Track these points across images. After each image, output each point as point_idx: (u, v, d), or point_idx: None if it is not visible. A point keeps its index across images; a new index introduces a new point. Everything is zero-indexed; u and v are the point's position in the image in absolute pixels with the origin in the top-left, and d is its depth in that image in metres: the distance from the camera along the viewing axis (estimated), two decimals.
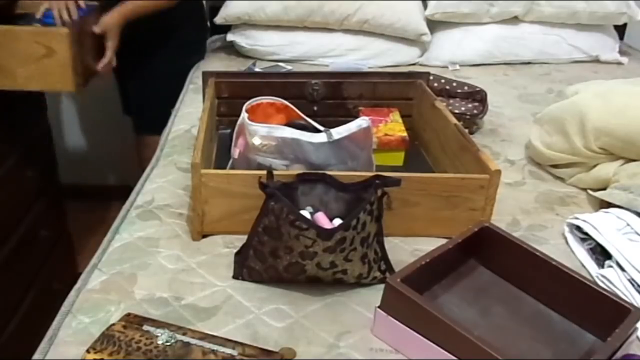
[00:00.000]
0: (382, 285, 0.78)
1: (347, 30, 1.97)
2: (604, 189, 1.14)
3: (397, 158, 1.22)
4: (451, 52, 2.01)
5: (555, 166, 1.25)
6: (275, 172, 0.91)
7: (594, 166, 1.19)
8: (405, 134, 1.21)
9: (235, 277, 0.89)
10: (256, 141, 1.00)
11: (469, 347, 0.69)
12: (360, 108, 1.32)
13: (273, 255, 0.85)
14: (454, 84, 1.49)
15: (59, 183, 1.95)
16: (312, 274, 0.85)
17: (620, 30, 2.22)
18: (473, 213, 0.97)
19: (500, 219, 1.03)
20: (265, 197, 0.85)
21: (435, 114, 1.22)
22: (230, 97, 1.30)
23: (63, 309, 0.83)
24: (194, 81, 1.69)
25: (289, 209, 0.81)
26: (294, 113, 1.15)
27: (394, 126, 1.24)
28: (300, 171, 0.93)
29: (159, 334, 0.72)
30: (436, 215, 0.98)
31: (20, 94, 1.42)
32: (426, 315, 0.73)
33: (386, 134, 1.21)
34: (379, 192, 0.86)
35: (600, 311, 0.78)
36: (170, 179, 1.16)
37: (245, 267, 0.89)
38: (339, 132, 1.01)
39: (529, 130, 1.34)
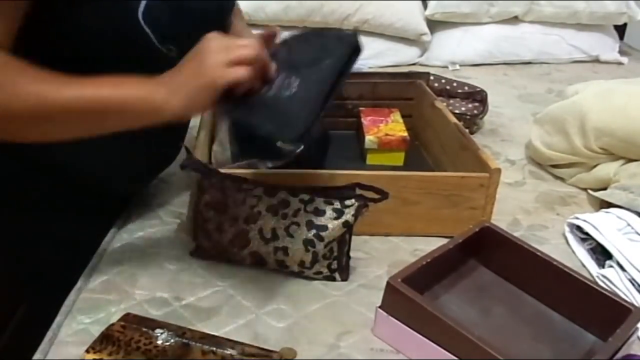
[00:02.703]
0: (383, 286, 0.78)
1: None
2: (605, 189, 1.14)
3: (398, 158, 1.22)
4: (451, 52, 2.01)
5: (556, 166, 1.25)
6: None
7: (595, 166, 1.19)
8: (405, 134, 1.21)
9: (191, 254, 0.93)
10: None
11: (470, 347, 0.69)
12: (360, 108, 1.32)
13: (218, 231, 0.88)
14: (454, 84, 1.49)
15: None
16: (255, 249, 0.87)
17: (620, 30, 2.23)
18: (473, 212, 0.97)
19: (500, 219, 1.03)
20: (198, 176, 0.88)
21: (435, 113, 1.22)
22: None
23: (63, 309, 0.83)
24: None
25: (230, 179, 0.86)
26: None
27: (394, 126, 1.24)
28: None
29: (158, 334, 0.72)
30: (436, 214, 0.98)
31: None
32: (427, 316, 0.72)
33: (387, 134, 1.21)
34: (356, 202, 0.85)
35: (601, 311, 0.78)
36: (170, 178, 1.16)
37: (198, 247, 0.92)
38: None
39: (529, 130, 1.34)
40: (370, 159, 1.22)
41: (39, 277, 1.01)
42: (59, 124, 0.72)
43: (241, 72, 0.71)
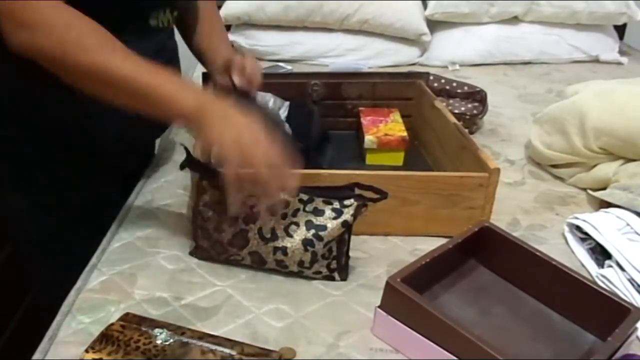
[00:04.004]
0: (382, 285, 0.78)
1: (347, 30, 1.97)
2: (604, 188, 1.14)
3: (397, 158, 1.22)
4: (451, 52, 2.01)
5: (555, 166, 1.25)
6: None
7: (594, 166, 1.19)
8: (405, 133, 1.22)
9: (190, 254, 0.93)
10: None
11: (469, 347, 0.69)
12: (360, 108, 1.32)
13: (217, 230, 0.88)
14: (454, 84, 1.49)
15: None
16: (254, 249, 0.87)
17: (620, 30, 2.22)
18: (472, 211, 0.97)
19: (500, 219, 1.03)
20: (197, 176, 0.89)
21: (434, 113, 1.22)
22: None
23: (63, 309, 0.83)
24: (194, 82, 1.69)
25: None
26: None
27: (394, 126, 1.24)
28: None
29: (158, 334, 0.72)
30: (435, 214, 0.98)
31: None
32: (426, 315, 0.72)
33: (386, 134, 1.21)
34: (355, 202, 0.85)
35: (600, 311, 0.78)
36: (170, 178, 1.16)
37: (197, 247, 0.92)
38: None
39: (528, 130, 1.34)
40: (370, 159, 1.23)
41: (50, 250, 1.10)
42: (107, 88, 0.82)
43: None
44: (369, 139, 1.21)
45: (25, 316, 1.65)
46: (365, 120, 1.26)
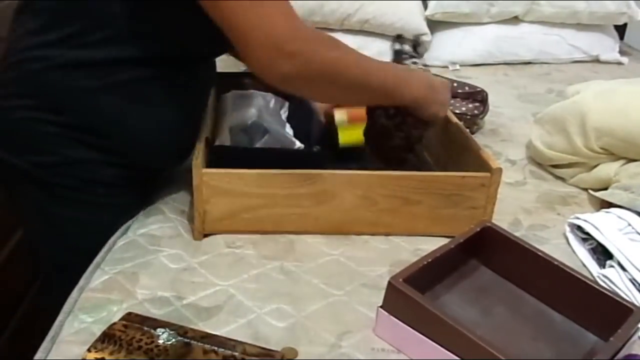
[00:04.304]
0: (384, 285, 0.78)
1: (347, 30, 1.97)
2: (605, 189, 1.14)
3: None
4: (451, 52, 2.01)
5: (556, 166, 1.25)
6: None
7: (595, 166, 1.19)
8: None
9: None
10: None
11: (471, 347, 0.69)
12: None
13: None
14: (455, 84, 1.49)
15: None
16: None
17: (620, 30, 2.23)
18: (474, 211, 0.97)
19: (501, 219, 1.03)
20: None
21: None
22: None
23: (65, 308, 0.83)
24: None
25: None
26: None
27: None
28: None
29: (160, 333, 0.72)
30: (437, 214, 0.98)
31: None
32: (428, 315, 0.73)
33: (353, 109, 1.12)
34: None
35: (602, 311, 0.78)
36: (174, 176, 1.16)
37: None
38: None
39: (529, 130, 1.34)
40: (343, 137, 1.12)
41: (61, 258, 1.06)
42: (361, 89, 0.93)
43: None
44: (338, 113, 1.12)
45: (25, 316, 1.65)
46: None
